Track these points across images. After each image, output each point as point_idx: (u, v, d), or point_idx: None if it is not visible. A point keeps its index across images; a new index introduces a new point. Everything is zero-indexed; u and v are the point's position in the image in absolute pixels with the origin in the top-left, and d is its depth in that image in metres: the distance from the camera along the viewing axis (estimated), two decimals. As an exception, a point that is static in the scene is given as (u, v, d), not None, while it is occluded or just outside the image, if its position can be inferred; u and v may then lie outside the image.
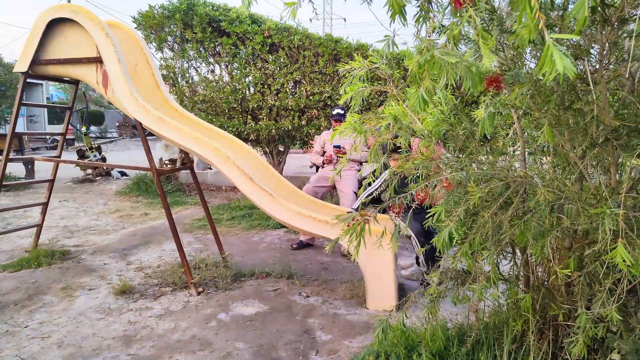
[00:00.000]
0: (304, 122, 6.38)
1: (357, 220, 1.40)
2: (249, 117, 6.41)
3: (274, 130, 6.35)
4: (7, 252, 3.89)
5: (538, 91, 1.50)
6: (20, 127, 11.91)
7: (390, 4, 1.18)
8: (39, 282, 3.14)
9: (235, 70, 6.32)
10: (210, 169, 8.16)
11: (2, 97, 7.12)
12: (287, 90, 6.34)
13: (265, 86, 6.29)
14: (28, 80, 3.48)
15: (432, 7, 1.24)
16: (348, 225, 1.41)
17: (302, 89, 6.26)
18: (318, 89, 6.18)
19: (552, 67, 0.81)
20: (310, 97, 6.24)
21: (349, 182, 4.19)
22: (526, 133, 1.92)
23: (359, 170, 4.34)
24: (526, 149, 1.90)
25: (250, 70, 6.23)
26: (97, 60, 3.18)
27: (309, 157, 12.29)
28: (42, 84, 13.65)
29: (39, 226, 3.90)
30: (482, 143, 1.97)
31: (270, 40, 6.09)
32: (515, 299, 1.94)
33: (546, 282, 1.98)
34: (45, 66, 3.32)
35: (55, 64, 3.29)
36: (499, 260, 1.85)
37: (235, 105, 6.36)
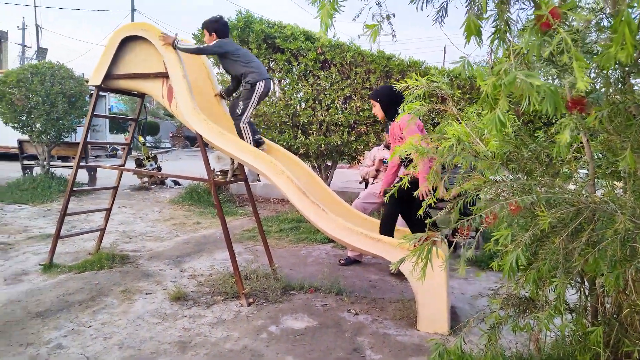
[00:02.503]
0: (353, 138, 6.40)
1: (424, 241, 1.38)
2: (299, 131, 6.52)
3: (323, 145, 6.41)
4: (72, 254, 4.12)
5: (617, 114, 1.44)
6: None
7: (467, 25, 1.18)
8: (101, 284, 3.30)
9: (288, 86, 6.47)
10: (259, 180, 8.33)
11: (71, 107, 7.62)
12: (338, 106, 6.41)
13: (316, 102, 6.38)
14: (93, 92, 3.72)
15: (509, 27, 1.23)
16: (414, 246, 1.39)
17: (352, 105, 6.30)
18: (368, 106, 6.19)
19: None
20: (360, 113, 6.27)
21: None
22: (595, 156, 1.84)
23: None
24: (596, 174, 1.81)
25: (302, 85, 6.35)
26: (164, 76, 3.35)
27: (354, 172, 12.27)
28: (105, 96, 14.53)
29: (102, 231, 4.12)
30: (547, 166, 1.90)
31: (323, 56, 6.20)
32: (584, 332, 1.84)
33: (616, 316, 1.86)
34: (117, 80, 3.54)
35: (125, 79, 3.50)
36: (566, 289, 1.76)
37: (287, 120, 6.49)
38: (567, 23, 1.24)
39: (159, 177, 8.54)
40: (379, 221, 3.38)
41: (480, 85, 1.43)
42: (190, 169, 11.95)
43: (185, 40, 3.34)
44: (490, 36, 1.31)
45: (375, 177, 4.52)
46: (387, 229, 3.25)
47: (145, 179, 8.42)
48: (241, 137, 3.42)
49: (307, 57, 6.14)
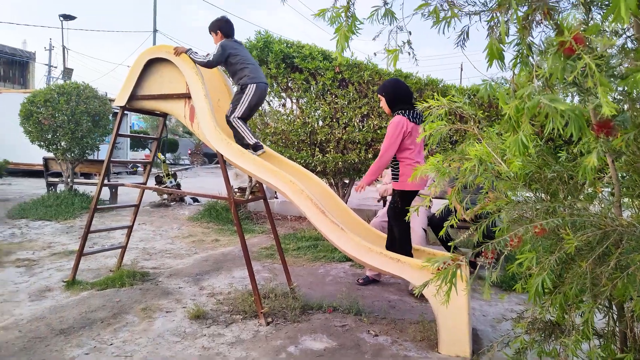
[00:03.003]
0: (370, 156, 6.41)
1: (449, 264, 1.37)
2: (317, 149, 6.56)
3: (340, 163, 6.43)
4: (94, 270, 4.19)
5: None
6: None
7: (489, 50, 1.19)
8: (122, 302, 3.34)
9: (306, 104, 6.54)
10: (276, 197, 8.37)
11: (95, 126, 7.83)
12: (355, 124, 6.44)
13: (334, 120, 6.43)
14: (115, 110, 3.82)
15: (531, 51, 1.23)
16: (438, 269, 1.38)
17: (370, 123, 6.33)
18: (385, 123, 6.20)
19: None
20: (378, 131, 6.28)
21: (418, 218, 4.12)
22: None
23: (429, 207, 4.26)
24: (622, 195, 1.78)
25: (320, 104, 6.41)
26: (186, 96, 3.43)
27: (371, 189, 12.13)
28: (127, 114, 14.90)
29: (124, 248, 4.19)
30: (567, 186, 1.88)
31: (340, 75, 6.26)
32: (612, 358, 1.78)
33: (647, 341, 1.80)
34: (141, 101, 3.64)
35: (149, 99, 3.60)
36: (593, 314, 1.71)
37: (304, 138, 6.54)
38: (591, 46, 1.24)
39: (173, 194, 8.66)
40: (398, 240, 3.36)
41: (502, 107, 1.44)
42: (209, 186, 12.10)
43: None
44: (512, 59, 1.32)
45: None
46: (405, 248, 3.20)
47: (165, 196, 8.54)
48: (236, 133, 3.44)
49: (325, 76, 6.22)
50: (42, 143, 7.71)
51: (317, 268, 4.57)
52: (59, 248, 5.03)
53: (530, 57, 1.24)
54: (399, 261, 2.81)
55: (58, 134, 7.57)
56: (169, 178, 8.64)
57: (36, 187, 10.55)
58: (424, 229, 4.19)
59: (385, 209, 4.44)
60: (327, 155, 6.48)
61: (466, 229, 4.57)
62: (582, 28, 1.09)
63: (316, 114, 6.55)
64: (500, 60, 1.22)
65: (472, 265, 1.88)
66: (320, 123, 6.58)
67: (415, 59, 1.60)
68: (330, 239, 3.00)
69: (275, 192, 7.90)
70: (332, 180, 7.01)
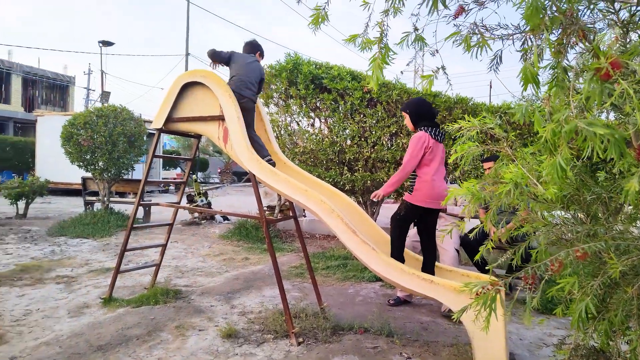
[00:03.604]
0: (399, 174, 6.38)
1: (488, 289, 1.35)
2: (345, 168, 6.59)
3: (369, 182, 6.43)
4: (129, 288, 4.30)
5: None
6: (140, 173, 13.43)
7: (524, 74, 1.20)
8: (156, 319, 3.41)
9: (334, 124, 6.61)
10: (304, 216, 8.41)
11: (131, 147, 8.11)
12: (384, 142, 6.45)
13: (362, 139, 6.46)
14: (150, 131, 3.97)
15: (567, 74, 1.23)
16: (477, 294, 1.37)
17: (398, 141, 6.33)
18: (415, 142, 6.18)
19: None
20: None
21: (450, 239, 4.06)
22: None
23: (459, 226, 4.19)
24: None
25: (349, 123, 6.46)
26: (220, 118, 3.54)
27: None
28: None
29: (157, 266, 4.29)
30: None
31: (369, 95, 6.31)
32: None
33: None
34: (177, 123, 3.78)
35: (185, 121, 3.72)
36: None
37: (333, 157, 6.59)
38: (629, 70, 1.23)
39: (207, 213, 8.82)
40: (430, 261, 3.31)
41: (537, 129, 1.43)
42: (238, 204, 12.27)
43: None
44: (547, 82, 1.32)
45: None
46: (398, 254, 3.19)
47: (196, 214, 8.72)
48: None
49: (353, 95, 6.28)
50: (81, 163, 8.04)
51: (347, 288, 4.55)
52: (96, 265, 5.19)
53: (565, 80, 1.24)
54: (432, 282, 2.78)
55: (96, 155, 7.88)
56: (200, 197, 8.83)
57: (74, 206, 10.97)
58: (456, 250, 4.12)
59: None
60: (355, 174, 6.49)
61: (500, 250, 4.48)
62: (619, 51, 1.09)
63: (345, 133, 6.60)
64: (536, 85, 1.22)
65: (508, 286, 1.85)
66: (349, 142, 6.62)
67: (450, 84, 1.61)
68: (362, 259, 3.00)
69: (304, 210, 7.95)
70: (360, 199, 7.01)
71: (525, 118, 1.28)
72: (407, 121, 3.38)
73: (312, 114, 6.89)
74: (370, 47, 1.84)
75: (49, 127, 14.27)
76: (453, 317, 1.53)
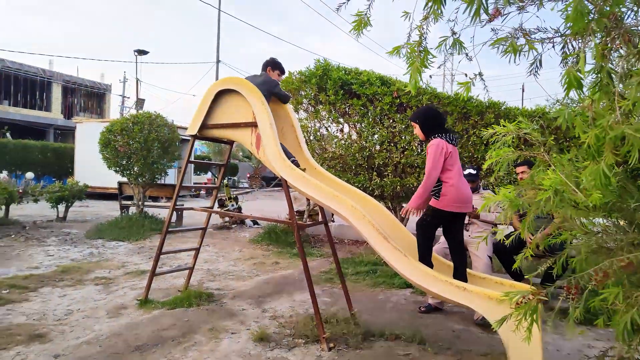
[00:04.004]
0: (430, 180, 6.31)
1: (529, 299, 1.33)
2: (375, 173, 6.57)
3: (398, 187, 6.39)
4: (163, 290, 4.42)
5: None
6: (172, 178, 13.77)
7: (567, 78, 1.18)
8: (190, 322, 3.49)
9: (363, 129, 6.60)
10: (333, 221, 8.41)
11: (164, 152, 8.34)
12: (414, 147, 6.40)
13: (392, 144, 6.43)
14: (183, 137, 4.07)
15: (611, 79, 1.20)
16: (518, 304, 1.34)
17: (429, 146, 6.25)
18: (446, 147, 6.10)
19: None
20: (437, 155, 6.18)
21: (483, 245, 3.98)
22: None
23: (493, 234, 4.11)
24: None
25: (378, 128, 6.45)
26: (253, 125, 3.60)
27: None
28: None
29: (191, 269, 4.38)
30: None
31: (398, 100, 6.28)
32: None
33: None
34: (211, 130, 3.86)
35: (219, 128, 3.81)
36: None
37: (362, 162, 6.58)
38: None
39: (240, 218, 8.95)
40: (463, 268, 3.26)
41: (579, 134, 1.40)
42: (268, 209, 12.39)
43: None
44: (590, 87, 1.29)
45: None
46: (426, 258, 3.15)
47: (227, 219, 8.86)
48: None
49: (382, 101, 6.26)
50: (117, 169, 8.32)
51: (377, 294, 4.52)
52: (132, 267, 5.35)
53: (610, 85, 1.21)
54: (465, 290, 2.73)
55: (132, 160, 8.14)
56: (231, 201, 8.98)
57: (110, 209, 11.35)
58: (489, 257, 4.04)
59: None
60: (385, 179, 6.46)
61: (535, 258, 4.36)
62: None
63: (374, 138, 6.59)
64: (579, 89, 1.20)
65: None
66: (378, 147, 6.60)
67: (487, 90, 1.60)
68: (393, 265, 2.98)
69: (332, 215, 7.95)
70: (389, 204, 6.96)
71: (568, 123, 1.26)
72: (417, 131, 3.35)
73: (341, 120, 6.91)
74: (411, 57, 1.84)
75: (87, 134, 14.87)
76: (492, 326, 1.50)
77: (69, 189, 8.83)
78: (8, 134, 19.32)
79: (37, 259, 5.57)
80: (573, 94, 1.20)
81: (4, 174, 15.50)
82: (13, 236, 6.97)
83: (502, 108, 6.11)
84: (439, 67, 2.00)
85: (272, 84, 3.86)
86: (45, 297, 4.05)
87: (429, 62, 1.44)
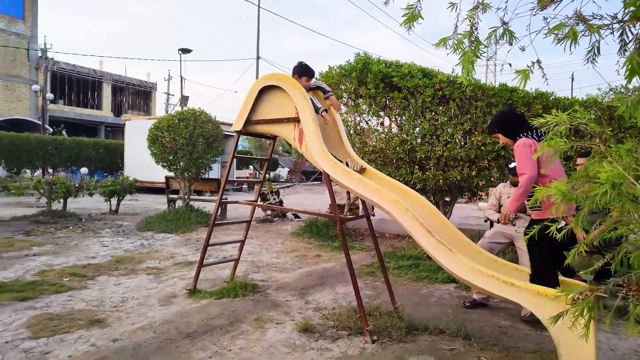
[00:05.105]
0: (473, 173, 6.17)
1: (586, 295, 1.30)
2: (416, 167, 6.49)
3: (441, 181, 6.28)
4: (210, 280, 4.58)
5: None
6: (216, 172, 14.16)
7: (630, 64, 1.13)
8: (237, 311, 3.60)
9: (405, 122, 6.53)
10: (373, 215, 8.39)
11: (209, 147, 8.59)
12: (457, 140, 6.27)
13: (434, 137, 6.32)
14: (226, 133, 4.18)
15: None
16: (575, 300, 1.31)
17: (473, 139, 6.11)
18: (490, 139, 5.95)
19: None
20: (482, 148, 6.04)
21: (531, 240, 3.86)
22: None
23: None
24: None
25: (419, 121, 6.36)
26: (296, 120, 3.65)
27: (471, 207, 11.66)
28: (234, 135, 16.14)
29: (236, 261, 4.52)
30: None
31: (441, 92, 6.16)
32: None
33: None
34: (255, 125, 3.95)
35: (262, 124, 3.89)
36: None
37: (403, 156, 6.52)
38: None
39: (285, 211, 9.10)
40: (511, 264, 3.19)
41: (638, 124, 1.34)
42: (308, 203, 12.52)
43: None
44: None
45: (505, 224, 4.26)
46: (550, 280, 2.86)
47: (269, 212, 9.03)
48: None
49: (424, 93, 6.16)
50: (164, 164, 8.66)
51: (420, 288, 4.49)
52: (180, 258, 5.58)
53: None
54: (513, 285, 2.67)
55: (178, 156, 8.44)
56: (272, 195, 9.14)
57: (157, 203, 11.82)
58: (537, 252, 3.91)
59: (494, 230, 4.25)
60: (427, 172, 6.37)
61: (588, 253, 4.18)
62: None
63: (415, 131, 6.51)
64: (641, 77, 1.15)
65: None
66: (420, 140, 6.51)
67: (546, 78, 1.55)
68: (438, 259, 2.95)
69: (373, 209, 7.92)
70: (432, 199, 6.87)
71: (631, 111, 1.21)
72: (503, 140, 3.15)
73: (381, 113, 6.86)
74: (458, 47, 1.82)
75: (135, 130, 15.54)
76: (544, 323, 1.47)
77: (120, 183, 9.27)
78: (64, 132, 20.46)
79: (93, 249, 5.91)
80: (635, 81, 1.15)
81: (85, 170, 16.46)
82: (71, 228, 7.42)
83: (551, 98, 5.88)
84: (488, 60, 1.96)
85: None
86: (102, 285, 4.30)
87: (480, 52, 1.42)
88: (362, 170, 3.70)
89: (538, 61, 1.48)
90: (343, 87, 7.03)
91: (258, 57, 23.14)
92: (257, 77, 23.24)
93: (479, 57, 1.45)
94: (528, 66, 1.47)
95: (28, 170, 16.52)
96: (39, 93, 23.98)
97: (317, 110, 3.59)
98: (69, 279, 4.45)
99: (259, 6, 22.77)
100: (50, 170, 17.07)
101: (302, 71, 3.90)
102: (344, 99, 7.16)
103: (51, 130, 22.07)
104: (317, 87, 4.04)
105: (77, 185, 8.78)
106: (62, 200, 8.45)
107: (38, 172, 16.69)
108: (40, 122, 22.83)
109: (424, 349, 2.96)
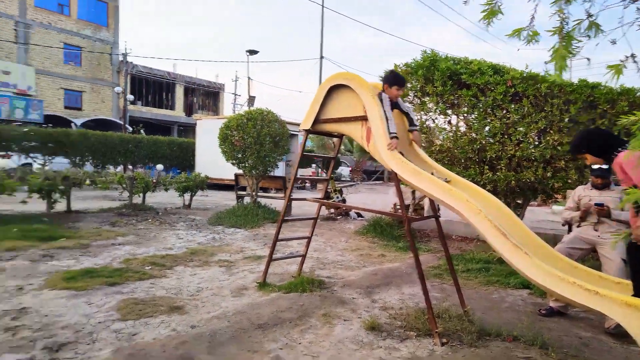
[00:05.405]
0: (549, 174, 5.84)
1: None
2: (486, 167, 6.25)
3: (513, 182, 6.01)
4: (278, 275, 4.73)
5: None
6: (281, 170, 14.51)
7: None
8: (305, 306, 3.70)
9: (474, 121, 6.31)
10: (439, 216, 8.19)
11: (275, 146, 8.83)
12: (531, 139, 5.96)
13: (506, 136, 6.05)
14: (291, 132, 4.27)
15: None
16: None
17: (548, 138, 5.78)
18: (568, 139, 5.59)
19: None
20: (559, 148, 5.69)
21: (616, 246, 3.60)
22: None
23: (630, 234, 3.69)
24: None
25: (490, 120, 6.12)
26: (363, 119, 3.67)
27: (544, 210, 11.06)
28: (297, 134, 16.43)
29: (303, 256, 4.63)
30: None
31: (513, 89, 5.89)
32: None
33: None
34: (323, 124, 4.03)
35: (330, 122, 3.95)
36: None
37: (472, 155, 6.30)
38: None
39: (343, 208, 9.15)
40: (594, 271, 2.99)
41: None
42: (370, 202, 12.49)
43: None
44: None
45: (582, 221, 4.02)
46: None
47: (332, 210, 9.12)
48: None
49: (495, 90, 5.92)
50: (234, 161, 9.04)
51: (491, 293, 4.34)
52: (249, 252, 5.81)
53: None
54: (597, 294, 2.52)
55: (246, 154, 8.78)
56: (336, 194, 9.22)
57: (226, 199, 12.35)
58: (622, 260, 3.64)
59: (573, 235, 4.02)
60: (497, 173, 6.12)
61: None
62: None
63: (485, 130, 6.27)
64: None
65: None
66: (490, 139, 6.27)
67: (640, 69, 1.46)
68: (512, 263, 2.84)
69: (438, 209, 7.74)
70: (502, 200, 6.56)
71: None
72: (592, 159, 2.92)
73: (448, 111, 6.68)
74: (535, 40, 1.76)
75: (205, 129, 16.35)
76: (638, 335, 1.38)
77: (193, 179, 9.81)
78: (142, 131, 21.94)
79: (170, 241, 6.31)
80: None
81: (160, 167, 17.66)
82: (150, 220, 7.97)
83: (638, 94, 5.42)
84: (574, 55, 1.87)
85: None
86: (179, 275, 4.59)
87: (572, 48, 1.36)
88: (447, 182, 3.59)
89: (632, 55, 1.39)
90: (409, 85, 6.93)
91: (322, 57, 23.38)
92: (320, 77, 23.48)
93: (572, 54, 1.38)
94: (621, 61, 1.38)
95: (111, 167, 17.89)
96: (121, 95, 25.94)
97: (389, 131, 3.46)
98: (150, 267, 4.79)
99: (322, 5, 22.99)
100: (130, 167, 18.40)
101: (393, 80, 3.77)
102: (409, 97, 7.06)
103: (131, 129, 23.77)
104: (407, 113, 3.85)
105: (154, 180, 9.41)
106: (141, 195, 9.09)
107: (119, 168, 18.03)
108: (121, 122, 24.70)
109: (497, 355, 2.87)
